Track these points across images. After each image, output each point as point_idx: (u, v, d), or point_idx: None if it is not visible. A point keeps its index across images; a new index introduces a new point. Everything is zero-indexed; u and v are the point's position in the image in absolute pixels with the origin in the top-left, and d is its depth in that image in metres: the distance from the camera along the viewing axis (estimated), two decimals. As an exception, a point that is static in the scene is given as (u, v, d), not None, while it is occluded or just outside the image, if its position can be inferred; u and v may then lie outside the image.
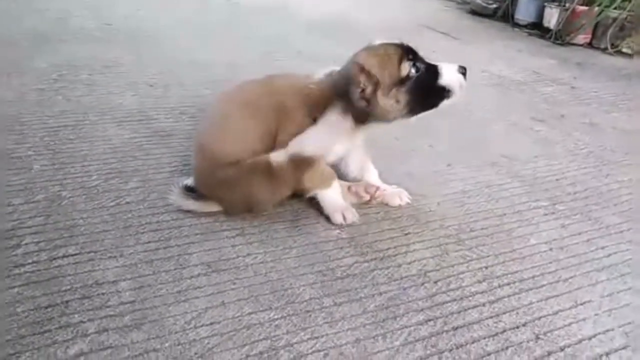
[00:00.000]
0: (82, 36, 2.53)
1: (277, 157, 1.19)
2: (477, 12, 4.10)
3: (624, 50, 3.37)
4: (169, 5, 3.31)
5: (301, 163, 1.20)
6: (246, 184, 1.21)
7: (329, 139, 1.22)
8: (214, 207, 1.27)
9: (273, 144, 1.22)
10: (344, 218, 1.28)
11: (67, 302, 0.96)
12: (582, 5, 3.36)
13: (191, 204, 1.26)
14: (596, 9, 3.30)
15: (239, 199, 1.24)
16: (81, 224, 1.18)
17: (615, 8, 3.25)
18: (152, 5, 3.29)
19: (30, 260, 1.05)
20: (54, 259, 1.06)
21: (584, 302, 1.09)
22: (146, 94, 1.94)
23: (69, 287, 0.99)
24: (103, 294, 0.99)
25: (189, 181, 1.30)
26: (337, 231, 1.25)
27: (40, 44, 2.35)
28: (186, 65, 2.29)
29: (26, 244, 1.10)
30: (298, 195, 1.31)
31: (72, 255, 1.08)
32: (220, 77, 2.16)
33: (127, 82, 2.02)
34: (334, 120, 1.20)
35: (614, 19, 3.31)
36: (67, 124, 1.63)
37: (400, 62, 1.18)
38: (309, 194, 1.30)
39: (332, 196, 1.30)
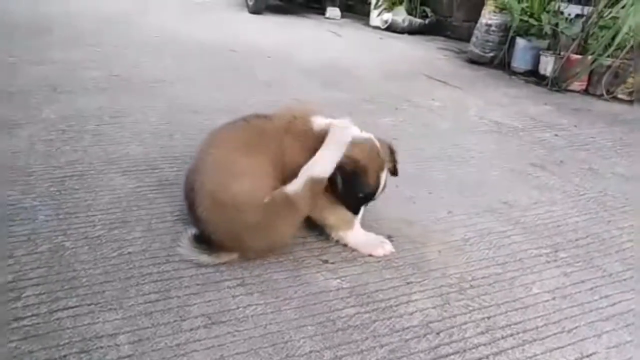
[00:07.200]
0: (91, 87, 2.62)
1: (291, 187, 1.24)
2: (475, 61, 4.22)
3: (620, 96, 3.44)
4: (171, 54, 3.44)
5: (316, 185, 1.25)
6: (268, 221, 1.23)
7: (336, 155, 1.27)
8: (227, 258, 1.27)
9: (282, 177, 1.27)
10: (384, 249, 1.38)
11: (64, 356, 0.95)
12: (576, 54, 3.47)
13: (205, 258, 1.25)
14: (590, 57, 3.40)
15: (262, 240, 1.27)
16: (83, 275, 1.18)
17: (608, 56, 3.35)
18: (157, 54, 3.41)
19: (29, 313, 1.05)
20: (54, 311, 1.06)
21: (590, 355, 1.07)
22: (151, 143, 1.98)
23: (67, 340, 0.99)
24: (101, 347, 0.98)
25: (196, 231, 1.29)
26: (338, 281, 1.25)
27: (50, 94, 2.43)
28: (190, 113, 2.35)
29: (27, 296, 1.10)
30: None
31: (72, 307, 1.07)
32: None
33: (133, 132, 2.07)
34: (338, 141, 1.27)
35: (608, 67, 3.41)
36: (74, 174, 1.66)
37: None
38: (336, 237, 1.39)
39: (360, 235, 1.39)
